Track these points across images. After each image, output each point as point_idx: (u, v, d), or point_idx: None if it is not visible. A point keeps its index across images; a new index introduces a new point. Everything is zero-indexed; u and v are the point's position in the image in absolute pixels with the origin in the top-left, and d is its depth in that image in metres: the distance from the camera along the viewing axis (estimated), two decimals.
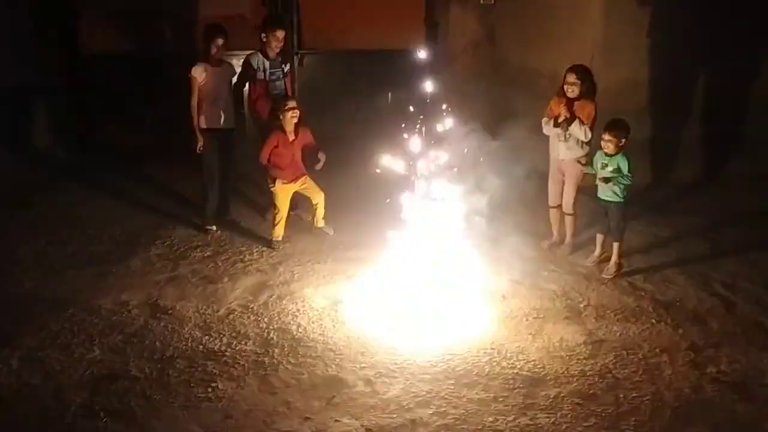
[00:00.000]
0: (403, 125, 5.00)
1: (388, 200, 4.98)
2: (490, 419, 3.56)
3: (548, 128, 5.58)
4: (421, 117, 4.86)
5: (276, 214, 5.78)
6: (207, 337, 4.34)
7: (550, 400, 3.73)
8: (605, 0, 6.90)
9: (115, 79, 8.56)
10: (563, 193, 5.70)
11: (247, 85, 6.16)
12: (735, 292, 5.11)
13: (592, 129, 5.44)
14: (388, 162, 4.94)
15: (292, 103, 5.65)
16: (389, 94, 5.67)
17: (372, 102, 7.31)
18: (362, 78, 8.51)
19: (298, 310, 4.71)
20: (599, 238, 5.53)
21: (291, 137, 5.67)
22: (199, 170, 6.06)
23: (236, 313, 4.67)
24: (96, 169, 7.94)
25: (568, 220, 5.76)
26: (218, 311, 4.68)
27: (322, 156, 5.83)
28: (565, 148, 5.55)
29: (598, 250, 5.55)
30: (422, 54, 4.71)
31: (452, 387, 3.83)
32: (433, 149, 4.85)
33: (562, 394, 3.78)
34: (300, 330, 4.44)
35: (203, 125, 5.84)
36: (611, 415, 3.61)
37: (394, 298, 4.74)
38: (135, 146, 8.56)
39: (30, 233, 6.09)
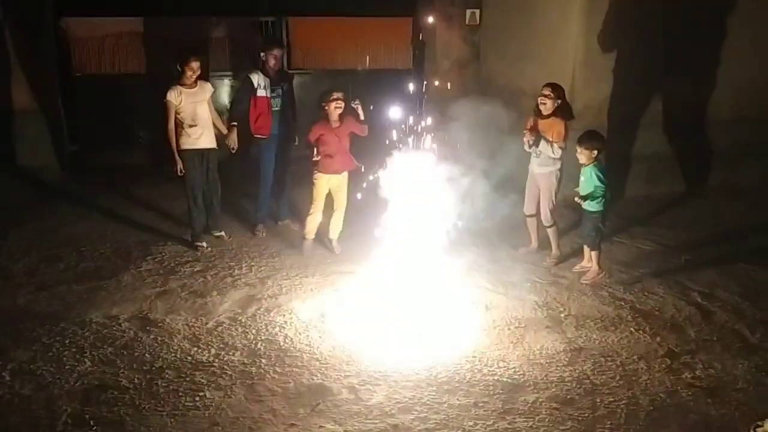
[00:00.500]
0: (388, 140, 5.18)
1: (359, 196, 5.06)
2: (470, 423, 3.66)
3: (526, 148, 5.80)
4: (408, 131, 5.05)
5: (312, 205, 5.88)
6: (195, 349, 4.44)
7: (529, 405, 3.84)
8: (585, 20, 7.08)
9: (108, 100, 8.74)
10: (540, 206, 5.90)
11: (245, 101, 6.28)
12: (713, 301, 5.24)
13: (563, 145, 5.65)
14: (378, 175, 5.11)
15: (337, 94, 5.68)
16: (356, 100, 5.77)
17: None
18: (349, 97, 8.68)
19: (286, 322, 4.81)
20: (585, 248, 5.69)
21: (335, 125, 5.75)
22: (182, 189, 6.18)
23: (224, 325, 4.77)
24: (88, 188, 8.07)
25: (550, 232, 5.93)
26: (207, 324, 4.78)
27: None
28: (537, 163, 5.80)
29: (585, 260, 5.71)
30: (409, 73, 4.91)
31: (434, 393, 3.93)
32: (419, 161, 5.03)
33: (540, 400, 3.89)
34: (287, 341, 4.54)
35: (183, 147, 5.94)
36: (587, 419, 3.72)
37: (380, 309, 4.87)
38: (126, 165, 8.72)
39: (23, 250, 6.19)
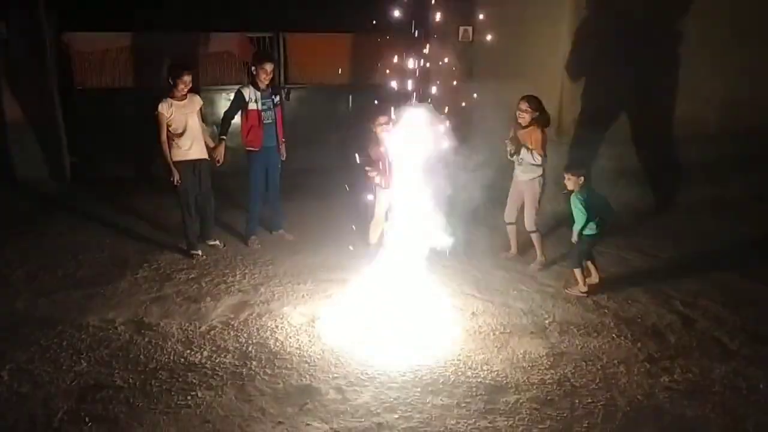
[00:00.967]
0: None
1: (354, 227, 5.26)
2: (453, 422, 3.79)
3: (509, 155, 6.08)
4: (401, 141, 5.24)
5: (374, 219, 5.97)
6: (188, 351, 4.57)
7: (510, 405, 3.97)
8: (572, 38, 7.29)
9: (107, 113, 8.92)
10: (524, 213, 6.13)
11: (238, 115, 6.47)
12: (694, 309, 5.39)
13: (543, 153, 5.93)
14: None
15: (383, 119, 5.76)
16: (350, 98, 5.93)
17: (354, 134, 7.64)
18: (344, 111, 8.89)
19: (277, 326, 4.95)
20: (589, 263, 5.80)
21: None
22: (177, 201, 6.33)
23: (217, 329, 4.90)
24: (86, 199, 8.23)
25: (534, 238, 6.15)
26: (200, 328, 4.92)
27: None
28: (520, 171, 6.07)
29: (593, 275, 5.82)
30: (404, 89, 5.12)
31: (418, 394, 4.06)
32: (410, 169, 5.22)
33: (521, 401, 4.02)
34: (277, 344, 4.68)
35: (174, 158, 6.09)
36: (566, 419, 3.85)
37: (370, 315, 5.00)
38: (125, 177, 8.89)
39: (22, 258, 6.33)
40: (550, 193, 7.42)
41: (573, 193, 5.54)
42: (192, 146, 6.14)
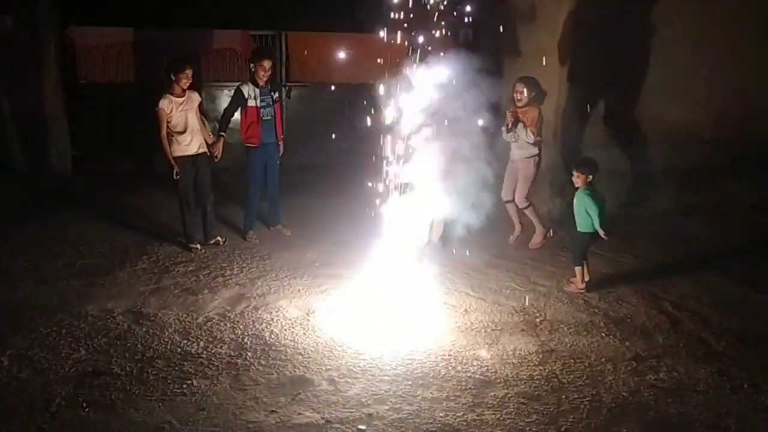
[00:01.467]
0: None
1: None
2: (441, 414, 3.88)
3: (505, 135, 6.41)
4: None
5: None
6: (185, 341, 4.66)
7: (498, 399, 4.06)
8: (570, 41, 7.38)
9: (110, 107, 9.02)
10: (516, 189, 6.44)
11: (238, 111, 6.56)
12: (683, 310, 5.47)
13: (538, 132, 6.30)
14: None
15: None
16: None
17: (354, 132, 7.74)
18: (345, 109, 8.99)
19: (272, 319, 5.05)
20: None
21: None
22: (176, 195, 6.43)
23: (214, 320, 5.00)
24: (89, 192, 8.35)
25: (528, 212, 6.49)
26: (197, 319, 5.01)
27: None
28: (517, 148, 6.39)
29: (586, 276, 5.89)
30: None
31: (409, 387, 4.16)
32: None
33: (509, 395, 4.11)
34: (272, 336, 4.77)
35: (174, 154, 6.19)
36: (552, 413, 3.94)
37: (364, 310, 5.11)
38: (127, 171, 8.99)
39: (23, 249, 6.43)
40: (546, 195, 7.57)
41: (581, 190, 5.58)
42: (191, 142, 6.23)
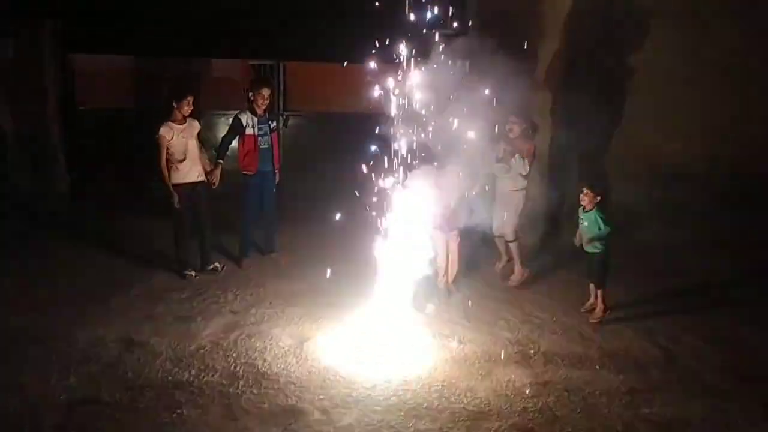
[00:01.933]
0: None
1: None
2: None
3: (495, 166, 6.39)
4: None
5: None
6: (177, 369, 4.63)
7: None
8: (559, 72, 7.48)
9: (108, 132, 9.08)
10: (505, 223, 6.41)
11: (236, 140, 6.61)
12: (677, 345, 5.46)
13: (530, 163, 6.32)
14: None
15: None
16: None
17: (351, 161, 7.77)
18: (342, 138, 9.02)
19: (266, 347, 5.02)
20: (591, 287, 5.94)
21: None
22: (171, 222, 6.42)
23: (206, 348, 4.97)
24: (85, 216, 8.34)
25: (513, 247, 6.44)
26: (189, 347, 4.98)
27: None
28: (507, 180, 6.36)
29: (591, 299, 5.94)
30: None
31: (402, 418, 4.13)
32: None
33: (502, 427, 4.08)
34: (265, 365, 4.74)
35: (173, 181, 6.21)
36: None
37: (358, 339, 5.10)
38: (123, 196, 9.00)
39: (17, 273, 6.41)
40: (537, 228, 7.59)
41: (592, 210, 5.66)
42: (191, 169, 6.26)
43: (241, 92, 9.41)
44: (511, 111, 6.32)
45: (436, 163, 5.68)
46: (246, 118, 6.52)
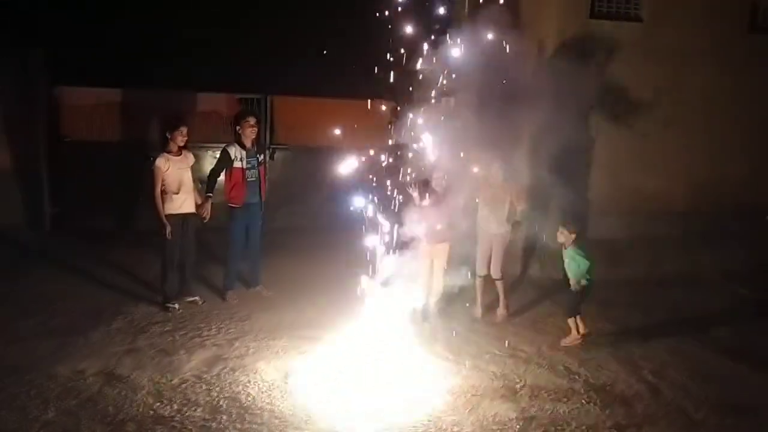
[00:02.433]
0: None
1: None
2: None
3: (483, 209, 6.45)
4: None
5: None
6: (158, 404, 4.55)
7: None
8: (546, 116, 7.60)
9: (92, 164, 9.04)
10: (491, 261, 6.46)
11: (223, 173, 6.61)
12: (662, 379, 5.46)
13: (519, 203, 6.41)
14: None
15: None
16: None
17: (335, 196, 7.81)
18: (328, 172, 9.06)
19: (249, 381, 4.95)
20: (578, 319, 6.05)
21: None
22: (159, 253, 6.38)
23: (189, 382, 4.89)
24: (66, 249, 8.26)
25: (499, 285, 6.50)
26: (171, 380, 4.90)
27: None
28: (496, 222, 6.41)
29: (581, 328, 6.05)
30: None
31: None
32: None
33: None
34: (249, 399, 4.67)
35: (167, 212, 6.20)
36: None
37: (343, 373, 5.06)
38: (106, 228, 8.94)
39: None
40: (522, 262, 7.62)
41: (570, 249, 5.88)
42: (184, 201, 6.27)
43: (227, 126, 9.51)
44: (494, 157, 6.40)
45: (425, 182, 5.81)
46: (234, 151, 6.54)
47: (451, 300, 6.76)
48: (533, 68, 7.85)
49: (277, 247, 7.96)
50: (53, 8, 8.95)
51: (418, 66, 6.85)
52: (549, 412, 4.76)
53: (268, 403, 4.62)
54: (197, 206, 6.41)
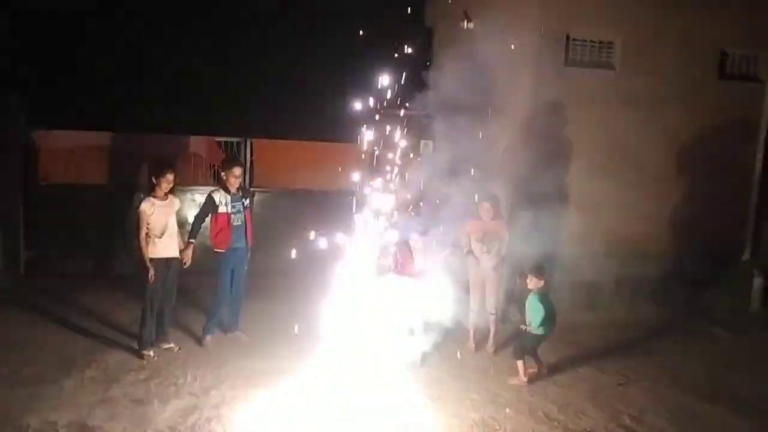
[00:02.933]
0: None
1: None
2: None
3: (476, 246, 6.70)
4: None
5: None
6: None
7: None
8: (523, 159, 7.74)
9: (70, 208, 8.96)
10: (487, 295, 6.74)
11: (208, 218, 6.59)
12: (641, 424, 5.46)
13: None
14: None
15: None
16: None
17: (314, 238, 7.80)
18: (307, 214, 9.08)
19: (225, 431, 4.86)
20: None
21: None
22: (136, 298, 6.31)
23: None
24: (40, 295, 8.11)
25: (492, 320, 6.76)
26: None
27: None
28: (487, 259, 6.70)
29: (536, 369, 6.28)
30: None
31: None
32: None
33: None
34: None
35: (150, 255, 6.16)
36: None
37: (322, 422, 5.00)
38: (82, 273, 8.82)
39: None
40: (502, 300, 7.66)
41: (533, 294, 6.07)
42: (168, 245, 6.25)
43: (207, 168, 9.53)
44: (484, 196, 6.70)
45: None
46: (219, 197, 6.54)
47: (436, 339, 6.75)
48: (511, 112, 7.99)
49: (255, 290, 7.88)
50: (30, 52, 8.98)
51: (398, 112, 7.00)
52: None
53: None
54: (181, 251, 6.38)
